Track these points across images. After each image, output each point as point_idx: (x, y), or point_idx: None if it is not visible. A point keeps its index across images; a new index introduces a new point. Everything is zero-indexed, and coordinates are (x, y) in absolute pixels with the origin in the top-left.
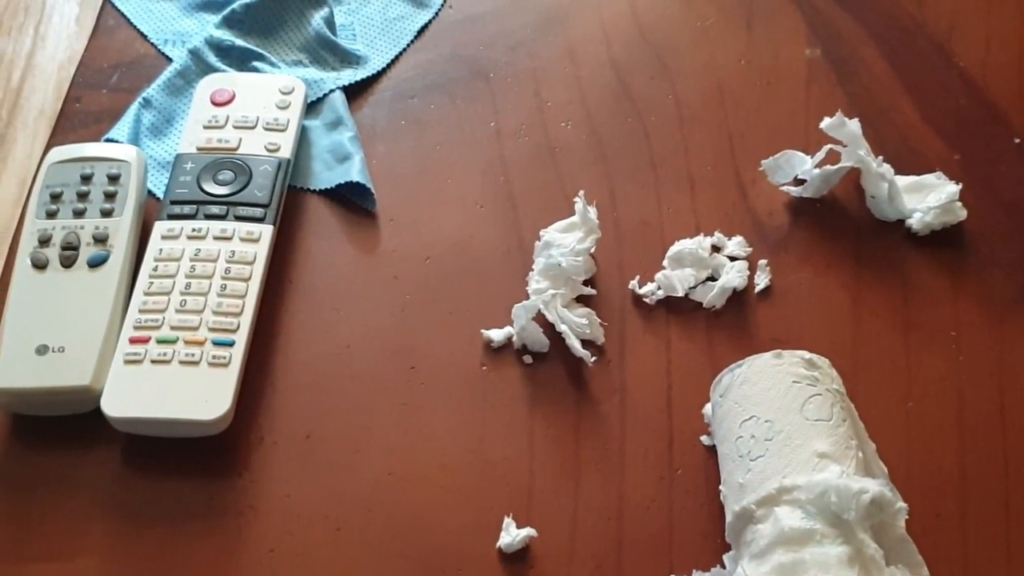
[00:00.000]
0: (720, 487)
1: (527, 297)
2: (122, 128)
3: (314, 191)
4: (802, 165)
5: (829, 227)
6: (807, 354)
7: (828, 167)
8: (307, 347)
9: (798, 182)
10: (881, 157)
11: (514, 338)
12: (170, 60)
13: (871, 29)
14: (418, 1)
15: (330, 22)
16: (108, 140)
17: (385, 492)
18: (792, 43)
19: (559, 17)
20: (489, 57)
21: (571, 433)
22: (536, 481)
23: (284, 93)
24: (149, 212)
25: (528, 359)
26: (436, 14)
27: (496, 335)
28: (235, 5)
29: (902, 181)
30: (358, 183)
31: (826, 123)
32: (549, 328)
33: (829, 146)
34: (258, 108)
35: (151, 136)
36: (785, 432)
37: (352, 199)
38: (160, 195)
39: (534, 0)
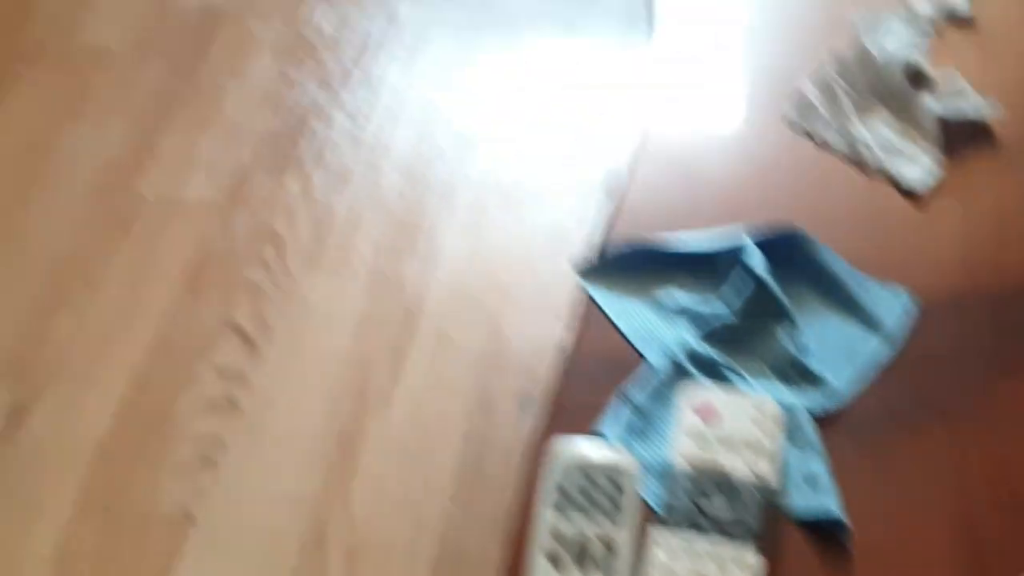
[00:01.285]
0: None
1: None
2: (610, 425)
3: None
4: None
5: None
6: None
7: None
8: None
9: None
10: None
11: None
12: (646, 361)
13: None
14: (888, 338)
15: (797, 342)
16: (597, 434)
17: None
18: None
19: None
20: (950, 401)
21: None
22: None
23: (765, 415)
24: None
25: None
26: (896, 349)
27: None
28: (717, 325)
29: None
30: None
31: None
32: None
33: None
34: (742, 429)
35: (636, 437)
36: None
37: (823, 526)
38: (646, 498)
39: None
